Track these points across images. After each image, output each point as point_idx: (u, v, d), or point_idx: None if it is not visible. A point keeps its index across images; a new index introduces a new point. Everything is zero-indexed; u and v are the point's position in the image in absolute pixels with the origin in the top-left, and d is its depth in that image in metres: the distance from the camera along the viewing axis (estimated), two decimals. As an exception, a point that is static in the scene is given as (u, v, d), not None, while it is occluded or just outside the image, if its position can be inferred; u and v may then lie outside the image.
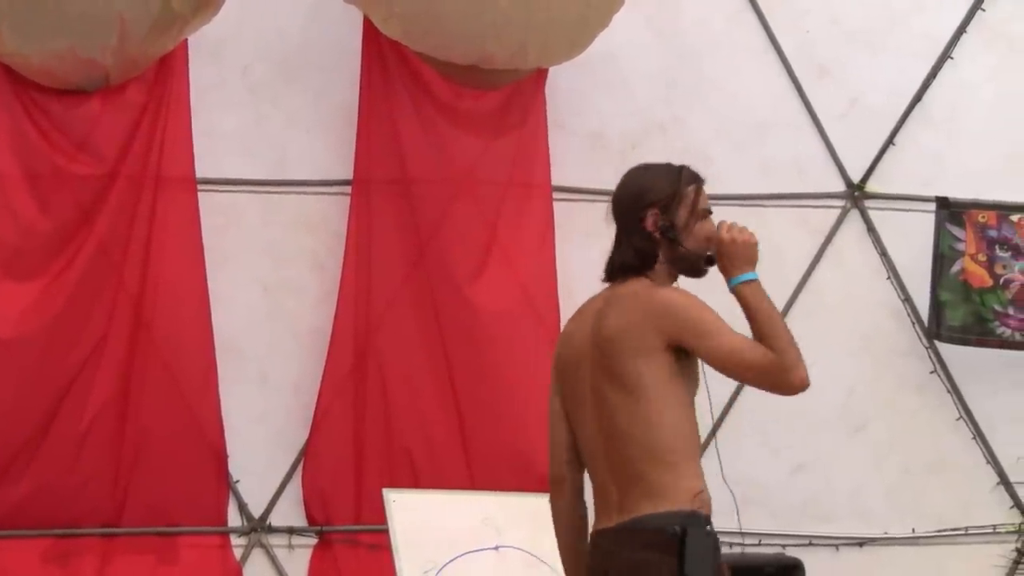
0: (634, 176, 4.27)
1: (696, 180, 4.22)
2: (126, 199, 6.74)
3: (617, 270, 4.20)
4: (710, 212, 4.22)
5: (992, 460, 7.28)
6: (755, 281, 4.09)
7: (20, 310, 6.62)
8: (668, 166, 4.25)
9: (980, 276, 7.20)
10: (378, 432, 6.91)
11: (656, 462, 4.02)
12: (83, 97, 6.69)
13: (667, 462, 4.02)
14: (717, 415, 7.07)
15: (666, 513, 3.98)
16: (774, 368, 3.97)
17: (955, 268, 7.21)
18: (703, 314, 4.04)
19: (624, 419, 4.06)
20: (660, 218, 4.15)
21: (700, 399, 4.19)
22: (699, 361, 4.13)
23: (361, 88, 6.91)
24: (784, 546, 7.01)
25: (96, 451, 6.68)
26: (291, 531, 6.96)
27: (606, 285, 4.25)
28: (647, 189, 4.19)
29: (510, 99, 7.05)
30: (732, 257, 4.12)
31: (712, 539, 4.00)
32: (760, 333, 4.02)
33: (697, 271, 4.21)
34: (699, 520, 3.98)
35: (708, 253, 4.17)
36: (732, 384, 6.97)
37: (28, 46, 6.47)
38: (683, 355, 4.07)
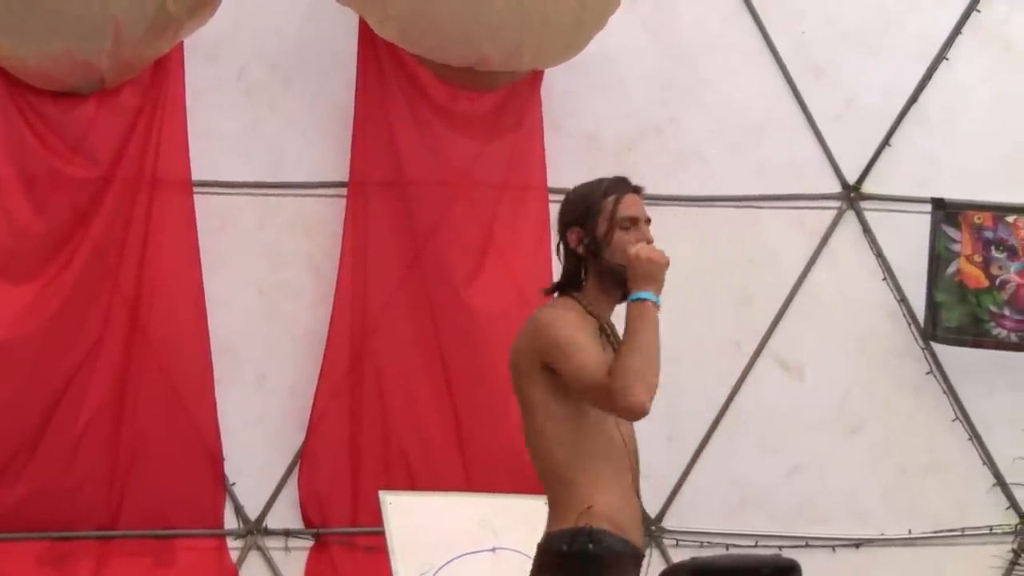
0: (565, 197, 4.18)
1: (618, 190, 4.08)
2: (122, 202, 6.73)
3: (557, 290, 4.16)
4: (637, 220, 4.07)
5: (988, 461, 7.27)
6: (646, 302, 3.90)
7: (15, 312, 6.61)
8: (596, 181, 4.14)
9: (976, 277, 7.20)
10: (374, 434, 6.90)
11: (553, 477, 4.00)
12: (78, 100, 6.68)
13: (562, 477, 3.97)
14: (714, 416, 7.10)
15: (558, 532, 3.96)
16: (604, 390, 3.82)
17: (951, 269, 7.21)
18: (561, 333, 3.94)
19: (528, 438, 4.06)
20: (581, 235, 4.06)
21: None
22: None
23: (357, 90, 6.91)
24: (780, 547, 7.00)
25: (92, 454, 6.68)
26: (287, 533, 6.95)
27: None
28: (569, 207, 4.12)
29: (506, 101, 7.04)
30: (634, 274, 3.96)
31: (598, 553, 3.89)
32: (618, 353, 3.88)
33: (624, 283, 4.01)
34: (584, 537, 3.90)
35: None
36: (728, 385, 7.04)
37: (24, 48, 6.46)
38: None
